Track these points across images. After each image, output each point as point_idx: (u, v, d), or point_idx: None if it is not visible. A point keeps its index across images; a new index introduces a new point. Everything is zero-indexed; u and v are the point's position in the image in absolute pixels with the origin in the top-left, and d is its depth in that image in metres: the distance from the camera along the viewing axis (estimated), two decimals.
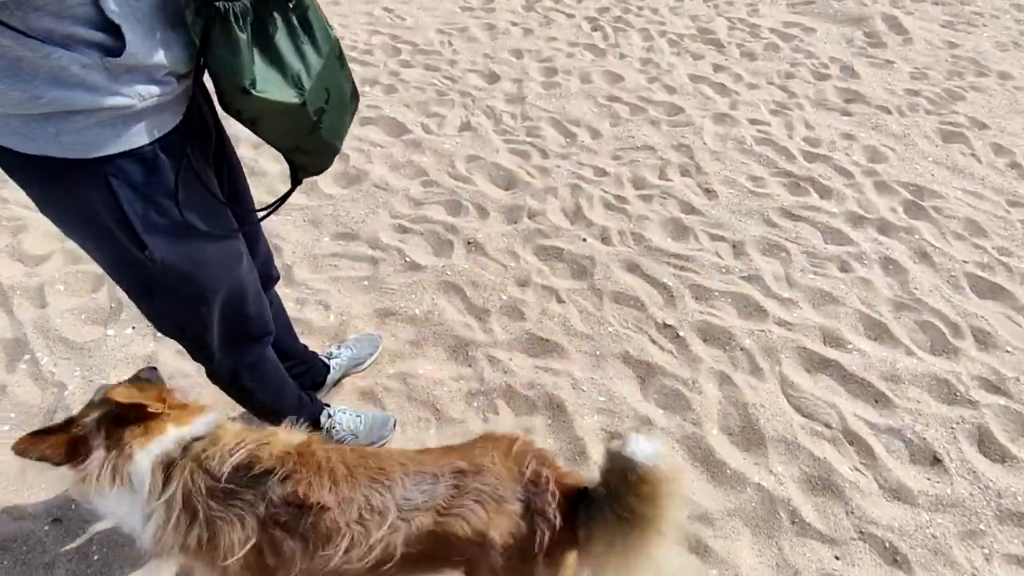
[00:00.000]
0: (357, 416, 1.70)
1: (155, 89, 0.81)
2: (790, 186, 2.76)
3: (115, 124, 0.79)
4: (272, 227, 2.52)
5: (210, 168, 1.01)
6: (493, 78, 3.63)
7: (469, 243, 2.47)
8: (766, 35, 4.13)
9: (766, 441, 1.72)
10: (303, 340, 2.04)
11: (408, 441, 1.76)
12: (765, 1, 4.64)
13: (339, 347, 1.90)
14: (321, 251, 2.41)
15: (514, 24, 4.31)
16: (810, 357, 1.98)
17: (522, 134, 3.14)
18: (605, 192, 2.72)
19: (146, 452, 0.92)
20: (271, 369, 1.40)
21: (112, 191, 0.82)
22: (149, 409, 0.92)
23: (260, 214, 1.11)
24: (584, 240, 2.46)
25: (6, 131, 0.76)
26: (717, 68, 3.75)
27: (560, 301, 2.20)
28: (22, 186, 0.87)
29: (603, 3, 4.61)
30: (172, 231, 0.91)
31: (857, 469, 1.70)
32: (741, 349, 1.99)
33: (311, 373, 1.75)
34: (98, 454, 0.90)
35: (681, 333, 2.06)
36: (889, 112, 3.35)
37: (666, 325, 2.09)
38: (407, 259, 2.38)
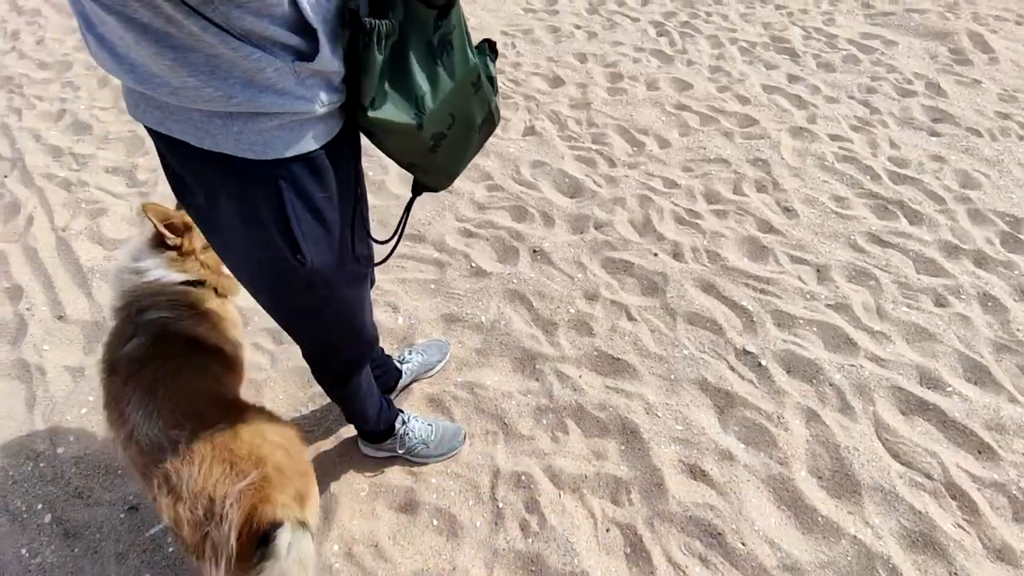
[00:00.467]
0: (429, 425, 1.66)
1: (333, 96, 0.78)
2: (877, 209, 2.59)
3: (293, 128, 0.77)
4: None
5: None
6: (557, 82, 3.56)
7: (535, 251, 2.40)
8: (844, 46, 3.92)
9: (861, 489, 1.60)
10: None
11: (476, 455, 1.71)
12: (841, 11, 4.42)
13: (410, 351, 1.86)
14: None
15: (578, 27, 4.22)
16: (906, 399, 1.84)
17: (587, 140, 3.06)
18: (676, 205, 2.61)
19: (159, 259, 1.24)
20: (366, 375, 1.37)
21: (280, 193, 0.81)
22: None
23: (388, 240, 1.06)
24: (655, 255, 2.36)
25: (187, 124, 0.74)
26: (792, 79, 3.58)
27: (631, 318, 2.11)
28: (188, 178, 0.86)
29: (669, 8, 4.48)
30: (325, 237, 0.90)
31: (960, 526, 1.57)
32: (830, 384, 1.86)
33: (385, 377, 1.72)
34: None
35: (763, 362, 1.94)
36: (980, 135, 3.13)
37: (746, 352, 1.98)
38: (473, 264, 2.33)
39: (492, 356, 1.99)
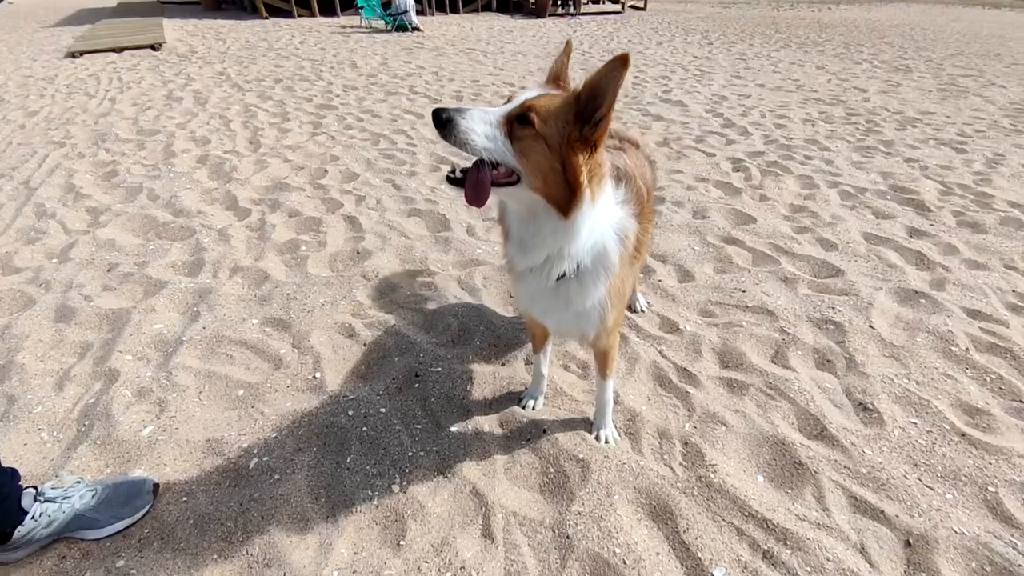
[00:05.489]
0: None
1: None
2: None
3: None
4: (219, 288, 1.99)
5: None
6: None
7: (417, 376, 1.58)
8: (1002, 208, 2.81)
9: None
10: (86, 448, 1.31)
11: None
12: (1003, 173, 3.34)
13: (79, 484, 1.11)
14: (234, 335, 1.76)
15: None
16: None
17: None
18: (664, 358, 1.65)
19: None
20: None
21: None
22: None
23: None
24: (592, 429, 1.39)
25: None
26: (915, 233, 2.54)
27: (487, 536, 1.13)
28: None
29: (758, 148, 3.81)
30: None
31: None
32: None
33: None
34: None
35: None
36: None
37: None
38: (315, 376, 1.58)
39: (208, 537, 1.12)
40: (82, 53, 6.84)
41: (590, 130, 0.80)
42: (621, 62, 0.75)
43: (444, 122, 0.78)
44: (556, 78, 0.94)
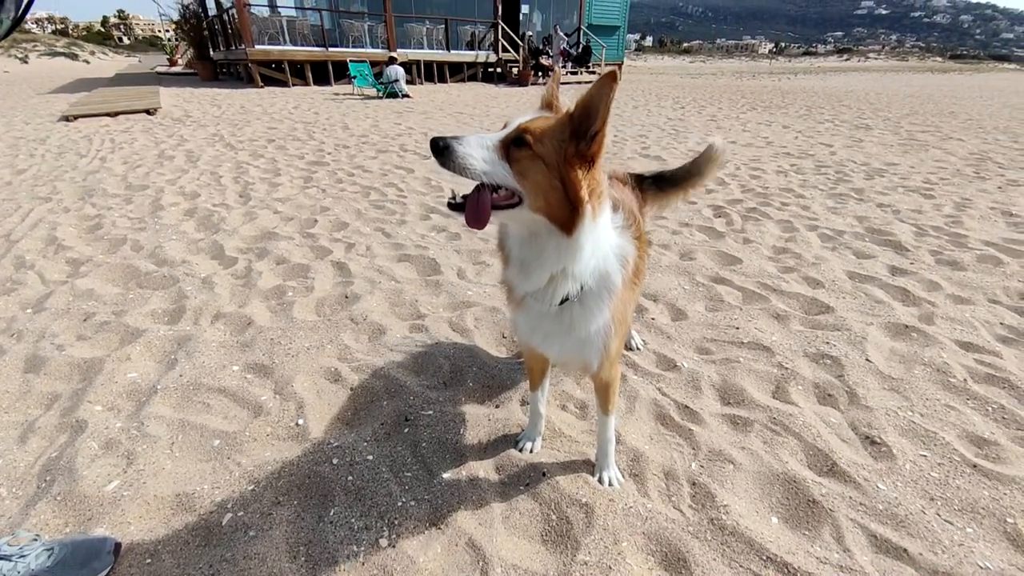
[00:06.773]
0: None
1: None
2: None
3: None
4: (199, 335, 1.91)
5: None
6: None
7: (407, 420, 1.50)
8: (977, 246, 2.90)
9: None
10: (45, 504, 1.19)
11: None
12: (972, 215, 3.48)
13: (36, 542, 1.00)
14: (213, 382, 1.67)
15: None
16: None
17: None
18: (663, 395, 1.60)
19: None
20: None
21: None
22: None
23: None
24: (593, 471, 1.31)
25: None
26: (896, 271, 2.59)
27: None
28: None
29: (736, 196, 3.94)
30: None
31: None
32: None
33: None
34: None
35: None
36: None
37: None
38: (298, 423, 1.49)
39: None
40: (76, 117, 6.99)
41: (586, 146, 0.81)
42: (611, 78, 0.77)
43: (441, 149, 0.78)
44: (548, 104, 0.96)
